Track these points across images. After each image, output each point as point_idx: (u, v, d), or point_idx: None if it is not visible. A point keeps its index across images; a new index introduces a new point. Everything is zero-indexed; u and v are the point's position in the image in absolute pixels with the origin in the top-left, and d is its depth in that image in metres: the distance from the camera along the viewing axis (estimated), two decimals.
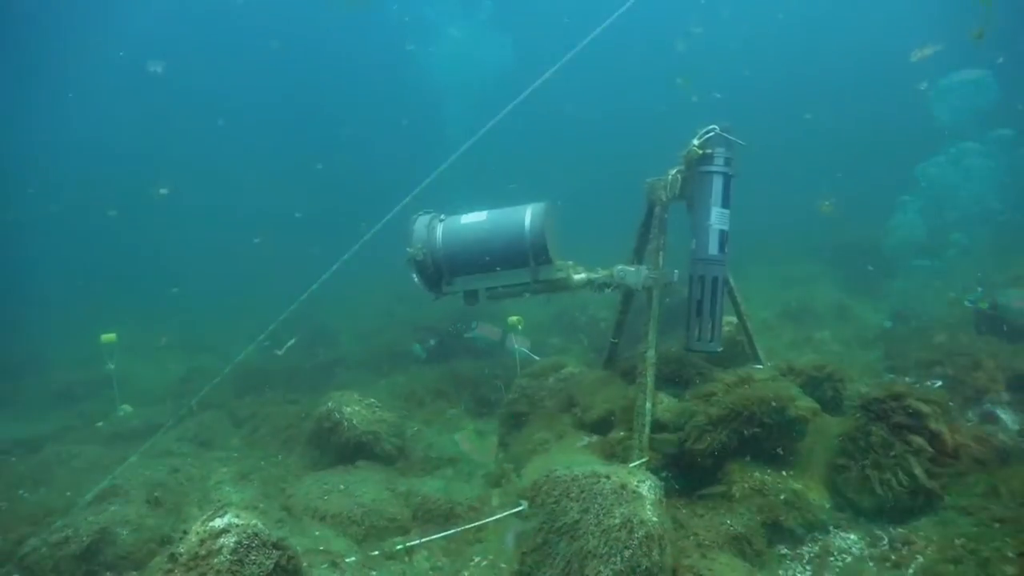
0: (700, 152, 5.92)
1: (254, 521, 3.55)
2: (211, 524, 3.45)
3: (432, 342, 12.15)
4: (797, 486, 5.45)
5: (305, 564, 4.20)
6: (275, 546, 3.54)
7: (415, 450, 7.61)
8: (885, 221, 17.86)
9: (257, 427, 9.09)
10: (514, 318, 9.61)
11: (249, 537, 3.45)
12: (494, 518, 5.40)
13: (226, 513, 3.52)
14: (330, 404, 7.21)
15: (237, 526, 3.46)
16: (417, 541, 5.35)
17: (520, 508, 5.07)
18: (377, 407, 7.43)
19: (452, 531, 5.45)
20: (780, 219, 20.85)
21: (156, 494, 6.46)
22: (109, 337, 10.55)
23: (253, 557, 3.42)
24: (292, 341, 9.60)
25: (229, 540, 3.40)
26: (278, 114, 45.03)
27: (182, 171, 35.76)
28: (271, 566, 3.46)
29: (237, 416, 9.75)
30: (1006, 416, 6.92)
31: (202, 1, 37.22)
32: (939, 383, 7.38)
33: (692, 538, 4.94)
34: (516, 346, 9.75)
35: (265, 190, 39.47)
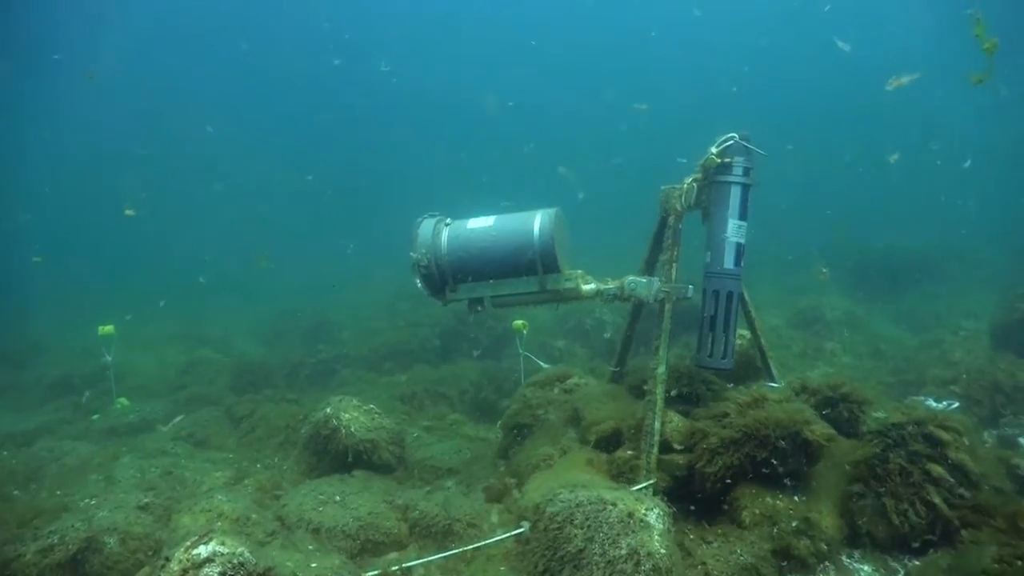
0: (718, 161, 5.69)
1: (240, 549, 3.35)
2: (194, 552, 3.26)
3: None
4: (810, 513, 5.23)
5: None
6: None
7: (414, 458, 7.41)
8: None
9: (254, 427, 8.88)
10: (519, 322, 9.40)
11: (235, 568, 3.26)
12: (494, 540, 5.21)
13: (211, 540, 3.32)
14: (328, 410, 7.00)
15: (222, 555, 3.26)
16: (415, 562, 5.16)
17: (521, 530, 4.89)
18: (377, 413, 7.21)
19: (451, 552, 5.26)
20: (789, 226, 20.67)
21: (146, 499, 6.27)
22: (107, 329, 10.37)
23: None
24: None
25: (213, 571, 3.20)
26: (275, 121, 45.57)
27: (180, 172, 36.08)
28: None
29: (234, 414, 9.55)
30: None
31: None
32: (956, 404, 7.16)
33: (700, 567, 4.73)
34: (520, 350, 9.55)
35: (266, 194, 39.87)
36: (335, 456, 6.86)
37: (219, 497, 5.87)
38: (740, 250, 5.72)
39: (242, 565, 3.28)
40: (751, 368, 6.78)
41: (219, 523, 5.51)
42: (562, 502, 4.44)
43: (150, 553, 5.50)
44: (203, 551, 3.27)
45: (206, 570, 3.21)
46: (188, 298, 19.63)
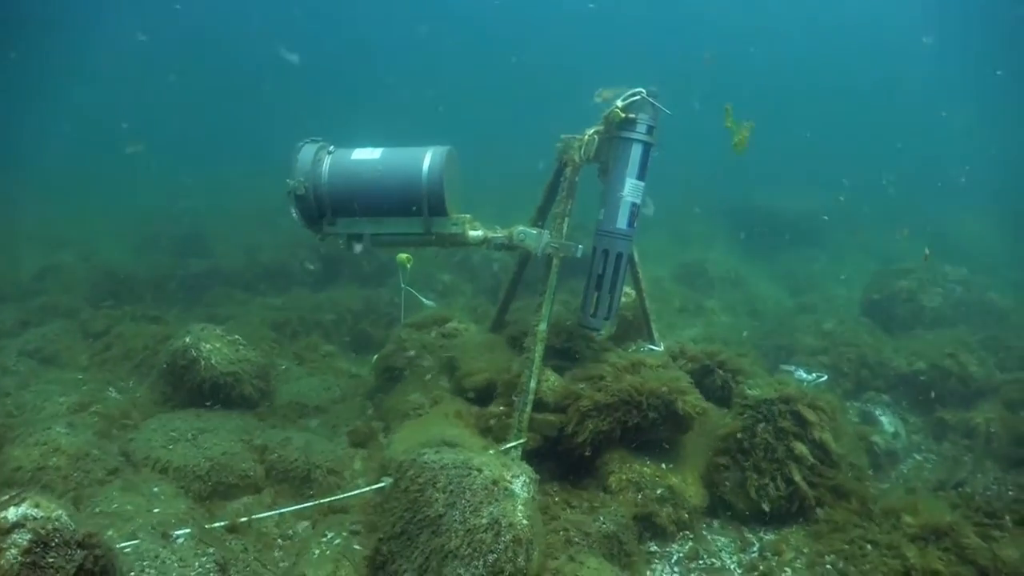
0: (622, 115, 5.45)
1: (57, 512, 2.97)
2: (1, 516, 2.87)
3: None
4: (674, 481, 5.25)
5: (129, 549, 3.69)
6: (80, 544, 2.97)
7: (280, 393, 7.05)
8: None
9: (110, 345, 8.22)
10: (403, 255, 9.03)
11: (48, 533, 2.88)
12: (353, 494, 5.00)
13: (22, 502, 2.94)
14: (188, 339, 6.48)
15: (34, 519, 2.89)
16: (265, 514, 4.89)
17: (382, 485, 4.68)
18: (241, 345, 6.75)
19: (306, 505, 5.01)
20: (682, 176, 20.77)
21: None
22: None
23: (51, 559, 2.85)
24: None
25: (22, 537, 2.83)
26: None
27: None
28: (72, 569, 2.91)
29: (89, 329, 8.85)
30: (884, 418, 6.95)
31: None
32: (825, 376, 7.35)
33: (562, 533, 4.65)
34: (402, 284, 9.19)
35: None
36: (192, 388, 6.37)
37: (57, 429, 5.36)
38: (635, 210, 5.54)
39: (58, 531, 2.92)
40: (631, 328, 6.70)
41: (54, 459, 5.06)
42: (426, 463, 4.22)
43: None
44: (12, 515, 2.88)
45: (15, 536, 2.83)
46: (48, 196, 18.21)
